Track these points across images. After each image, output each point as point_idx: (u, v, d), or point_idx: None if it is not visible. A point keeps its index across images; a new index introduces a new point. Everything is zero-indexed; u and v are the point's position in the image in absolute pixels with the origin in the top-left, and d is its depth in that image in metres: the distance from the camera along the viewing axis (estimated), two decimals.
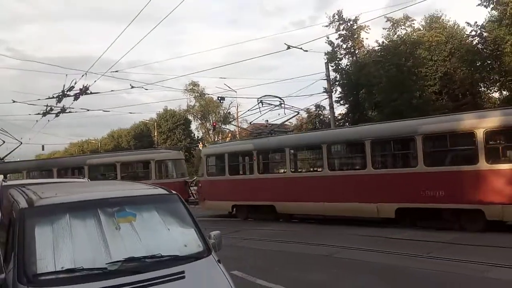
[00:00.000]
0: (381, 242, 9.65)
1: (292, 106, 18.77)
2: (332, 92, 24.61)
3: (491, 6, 21.16)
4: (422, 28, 26.96)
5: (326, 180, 13.40)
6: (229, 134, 43.02)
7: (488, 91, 24.80)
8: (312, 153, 15.45)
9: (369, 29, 27.66)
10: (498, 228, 10.09)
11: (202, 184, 17.33)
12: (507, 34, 20.13)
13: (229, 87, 28.89)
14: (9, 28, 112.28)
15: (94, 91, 17.50)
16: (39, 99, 21.36)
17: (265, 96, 18.51)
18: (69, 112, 19.50)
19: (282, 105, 18.31)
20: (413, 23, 28.50)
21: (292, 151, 14.96)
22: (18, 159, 25.50)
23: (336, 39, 27.79)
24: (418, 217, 11.49)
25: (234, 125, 40.32)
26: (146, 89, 23.66)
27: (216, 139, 45.31)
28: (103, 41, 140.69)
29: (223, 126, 45.57)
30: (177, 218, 3.93)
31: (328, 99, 23.55)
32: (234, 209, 16.02)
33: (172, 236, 3.75)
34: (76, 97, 17.49)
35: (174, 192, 4.18)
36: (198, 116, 50.04)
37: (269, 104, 18.03)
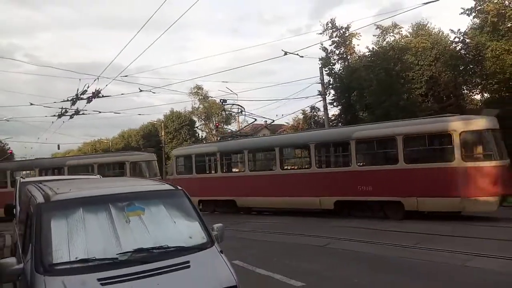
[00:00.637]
0: (370, 233, 9.67)
1: (252, 113, 20.15)
2: (326, 94, 24.60)
3: (473, 14, 21.19)
4: (409, 35, 26.86)
5: (278, 178, 14.39)
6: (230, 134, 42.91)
7: (471, 93, 24.76)
8: (267, 155, 16.30)
9: (360, 36, 27.60)
10: (415, 216, 11.24)
11: (172, 182, 17.43)
12: (488, 40, 20.12)
13: (231, 90, 29.23)
14: (26, 36, 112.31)
15: (105, 94, 17.47)
16: (54, 102, 21.19)
17: (226, 104, 20.30)
18: (83, 114, 19.49)
19: (243, 112, 19.84)
20: (401, 31, 28.49)
21: (250, 153, 15.71)
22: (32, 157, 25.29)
23: (330, 45, 27.83)
24: (353, 208, 12.65)
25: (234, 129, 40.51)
26: (154, 92, 23.78)
27: (218, 139, 45.20)
28: (114, 48, 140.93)
29: (225, 127, 45.52)
30: (182, 212, 3.93)
31: (322, 101, 23.54)
32: (201, 204, 16.21)
33: (178, 228, 3.75)
34: (89, 100, 17.47)
35: (180, 187, 4.19)
36: (202, 117, 49.87)
37: (230, 111, 19.52)
